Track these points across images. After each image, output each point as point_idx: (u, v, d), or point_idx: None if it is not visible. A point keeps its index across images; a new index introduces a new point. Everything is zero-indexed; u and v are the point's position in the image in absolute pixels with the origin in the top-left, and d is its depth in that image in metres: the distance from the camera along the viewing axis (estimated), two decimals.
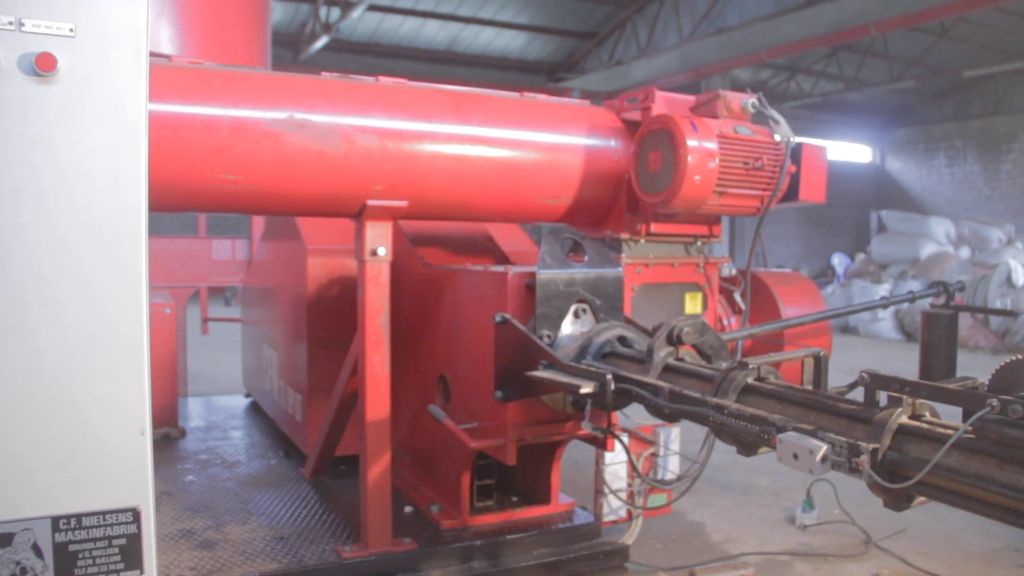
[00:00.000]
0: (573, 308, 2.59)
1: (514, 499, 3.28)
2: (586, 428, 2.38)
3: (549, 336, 2.54)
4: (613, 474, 3.55)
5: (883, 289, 14.26)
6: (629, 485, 3.61)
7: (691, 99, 3.17)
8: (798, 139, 3.14)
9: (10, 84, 1.58)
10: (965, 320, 11.88)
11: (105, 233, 1.67)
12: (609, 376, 2.11)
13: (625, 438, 3.10)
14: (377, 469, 2.82)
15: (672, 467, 3.72)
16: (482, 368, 2.72)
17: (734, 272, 3.43)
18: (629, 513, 3.66)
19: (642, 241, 3.17)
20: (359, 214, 2.78)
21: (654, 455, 3.67)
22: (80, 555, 1.68)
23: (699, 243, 3.31)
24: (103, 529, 1.70)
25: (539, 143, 3.04)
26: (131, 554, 1.73)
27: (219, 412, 5.17)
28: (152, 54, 1.76)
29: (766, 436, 1.66)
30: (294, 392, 4.00)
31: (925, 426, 1.49)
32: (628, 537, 3.59)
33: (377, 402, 2.81)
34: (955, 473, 1.40)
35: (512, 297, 2.60)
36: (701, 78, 18.09)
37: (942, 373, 3.17)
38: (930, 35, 18.23)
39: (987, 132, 24.19)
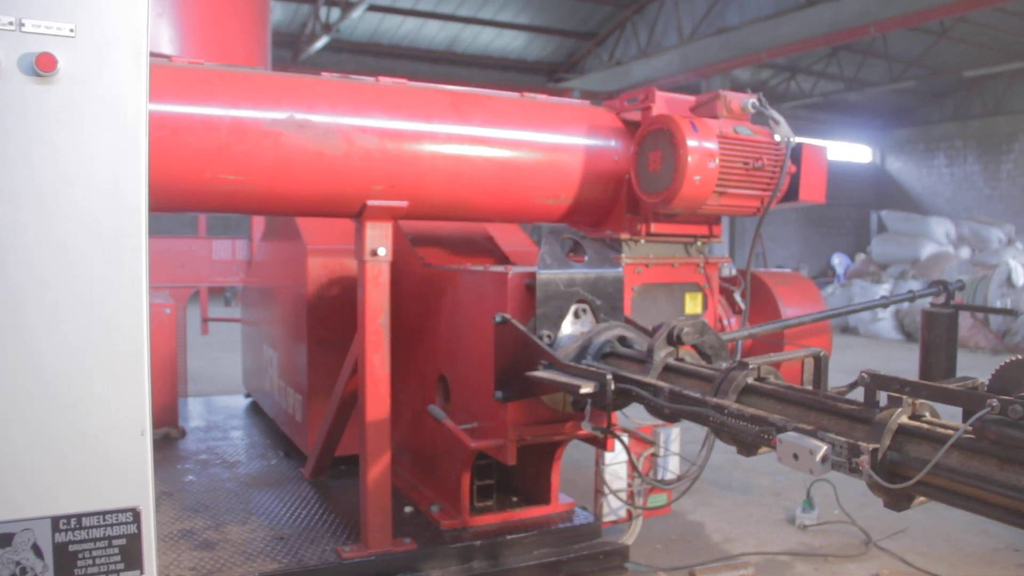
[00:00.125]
0: (573, 308, 2.59)
1: (514, 499, 3.28)
2: (586, 428, 2.38)
3: (549, 336, 2.54)
4: (613, 474, 3.55)
5: (883, 289, 14.26)
6: (629, 485, 3.61)
7: (691, 99, 3.17)
8: (798, 139, 3.14)
9: (10, 84, 1.58)
10: (965, 320, 11.89)
11: (105, 233, 1.67)
12: (609, 376, 2.11)
13: (625, 438, 3.10)
14: (377, 469, 2.82)
15: (672, 467, 3.72)
16: (482, 368, 2.72)
17: (734, 272, 3.43)
18: (629, 513, 3.66)
19: (642, 241, 3.17)
20: (359, 214, 2.78)
21: (654, 455, 3.67)
22: (80, 555, 1.68)
23: (699, 243, 3.31)
24: (103, 529, 1.70)
25: (539, 143, 3.04)
26: (131, 554, 1.73)
27: (219, 412, 5.17)
28: (152, 54, 1.76)
29: (766, 436, 1.66)
30: (294, 392, 4.00)
31: (925, 426, 1.49)
32: (628, 537, 3.59)
33: (377, 402, 2.81)
34: (955, 473, 1.40)
35: (512, 297, 2.61)
36: (701, 78, 18.10)
37: (942, 373, 3.17)
38: (930, 35, 18.24)
39: (987, 132, 24.19)
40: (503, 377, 2.55)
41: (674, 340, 2.20)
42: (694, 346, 2.28)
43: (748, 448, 1.80)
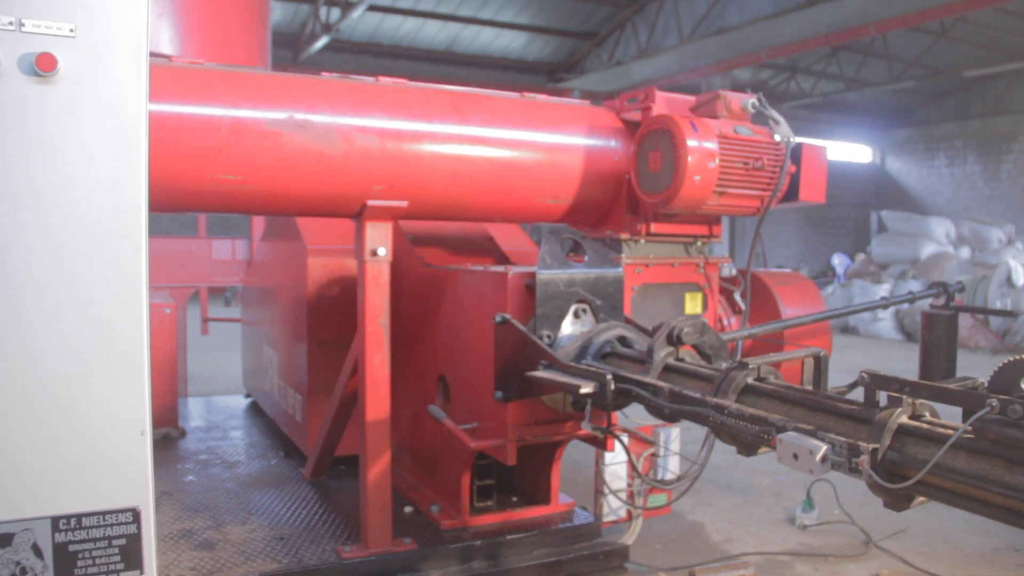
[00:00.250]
0: (573, 308, 2.59)
1: (514, 499, 3.28)
2: (586, 428, 2.38)
3: (549, 336, 2.54)
4: (613, 474, 3.55)
5: (883, 289, 14.26)
6: (629, 485, 3.61)
7: (691, 99, 3.17)
8: (798, 139, 3.14)
9: (10, 84, 1.58)
10: (965, 320, 11.89)
11: (105, 233, 1.67)
12: (609, 376, 2.11)
13: (625, 438, 3.10)
14: (377, 469, 2.82)
15: (672, 467, 3.72)
16: (482, 368, 2.72)
17: (734, 272, 3.42)
18: (629, 513, 3.66)
19: (642, 241, 3.17)
20: (359, 214, 2.78)
21: (654, 455, 3.67)
22: (80, 555, 1.68)
23: (699, 243, 3.31)
24: (103, 529, 1.70)
25: (539, 143, 3.04)
26: (131, 554, 1.73)
27: (219, 412, 5.17)
28: (152, 54, 1.76)
29: (766, 436, 1.66)
30: (294, 392, 4.00)
31: (925, 426, 1.49)
32: (628, 537, 3.59)
33: (377, 402, 2.81)
34: (955, 473, 1.40)
35: (512, 297, 2.60)
36: (701, 78, 18.10)
37: (942, 373, 3.17)
38: (930, 35, 18.24)
39: (987, 132, 24.19)
40: (503, 377, 2.55)
41: (674, 340, 2.20)
42: (694, 346, 2.28)
43: (748, 448, 1.80)
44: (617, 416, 2.57)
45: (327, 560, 2.77)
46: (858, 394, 1.66)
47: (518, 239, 3.86)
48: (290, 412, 4.08)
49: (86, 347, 1.67)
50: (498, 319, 2.54)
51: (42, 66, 1.58)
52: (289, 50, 17.48)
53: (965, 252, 15.37)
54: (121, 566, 1.72)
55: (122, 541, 1.72)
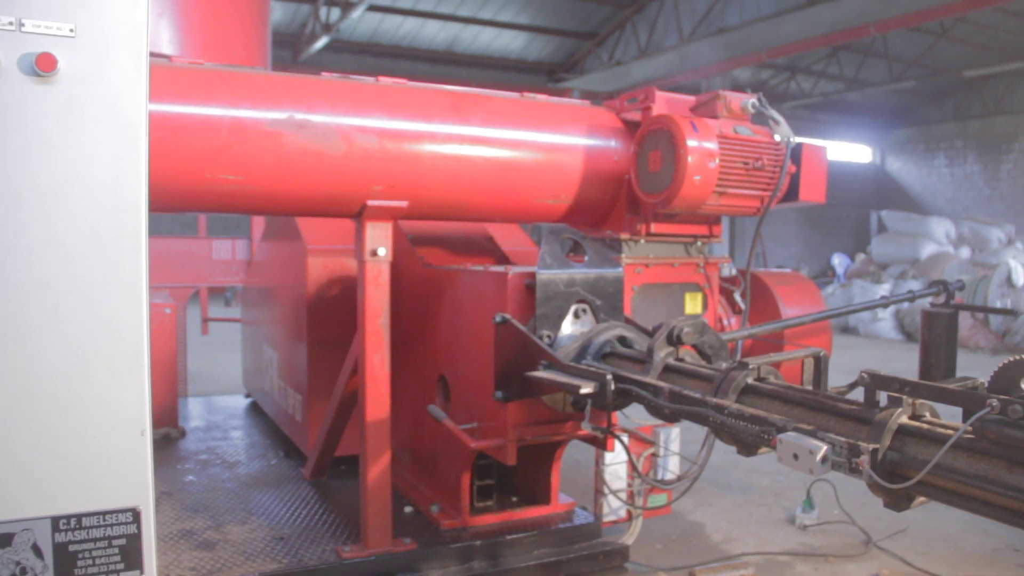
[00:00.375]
0: (573, 308, 2.59)
1: (514, 499, 3.28)
2: (586, 428, 2.38)
3: (549, 336, 2.54)
4: (613, 474, 3.55)
5: (883, 289, 14.26)
6: (629, 485, 3.61)
7: (691, 99, 3.17)
8: (798, 139, 3.14)
9: (10, 84, 1.58)
10: (965, 320, 11.89)
11: (105, 233, 1.67)
12: (609, 376, 2.11)
13: (625, 438, 3.10)
14: (377, 469, 2.82)
15: (672, 467, 3.72)
16: (482, 368, 2.72)
17: (734, 272, 3.42)
18: (629, 513, 3.66)
19: (642, 241, 3.17)
20: (359, 214, 2.78)
21: (654, 455, 3.67)
22: (80, 555, 1.68)
23: (699, 243, 3.31)
24: (103, 529, 1.70)
25: (539, 143, 3.04)
26: (131, 554, 1.73)
27: (219, 412, 5.17)
28: (152, 54, 1.76)
29: (766, 436, 1.66)
30: (294, 392, 4.00)
31: (925, 426, 1.49)
32: (628, 537, 3.59)
33: (377, 402, 2.81)
34: (955, 473, 1.40)
35: (512, 297, 2.60)
36: (701, 78, 18.10)
37: (942, 373, 3.17)
38: (930, 35, 18.24)
39: (987, 132, 24.19)
40: (503, 377, 2.55)
41: (674, 340, 2.20)
42: (694, 346, 2.28)
43: (748, 448, 1.80)
44: (617, 416, 2.57)
45: (327, 560, 2.77)
46: (858, 394, 1.66)
47: (518, 239, 3.86)
48: (290, 412, 4.08)
49: (86, 347, 1.67)
50: (498, 319, 2.54)
51: (42, 66, 1.58)
52: (289, 50, 17.48)
53: (965, 252, 15.38)
54: (121, 566, 1.72)
55: (122, 541, 1.72)
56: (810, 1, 14.18)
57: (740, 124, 3.03)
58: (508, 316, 2.52)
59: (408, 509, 3.21)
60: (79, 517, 1.68)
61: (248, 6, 4.96)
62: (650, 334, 2.38)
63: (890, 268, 15.55)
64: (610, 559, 3.04)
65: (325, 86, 2.72)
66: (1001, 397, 1.35)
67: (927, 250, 15.20)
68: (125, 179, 1.69)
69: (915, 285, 13.68)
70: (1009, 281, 12.20)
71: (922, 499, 1.50)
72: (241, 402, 5.45)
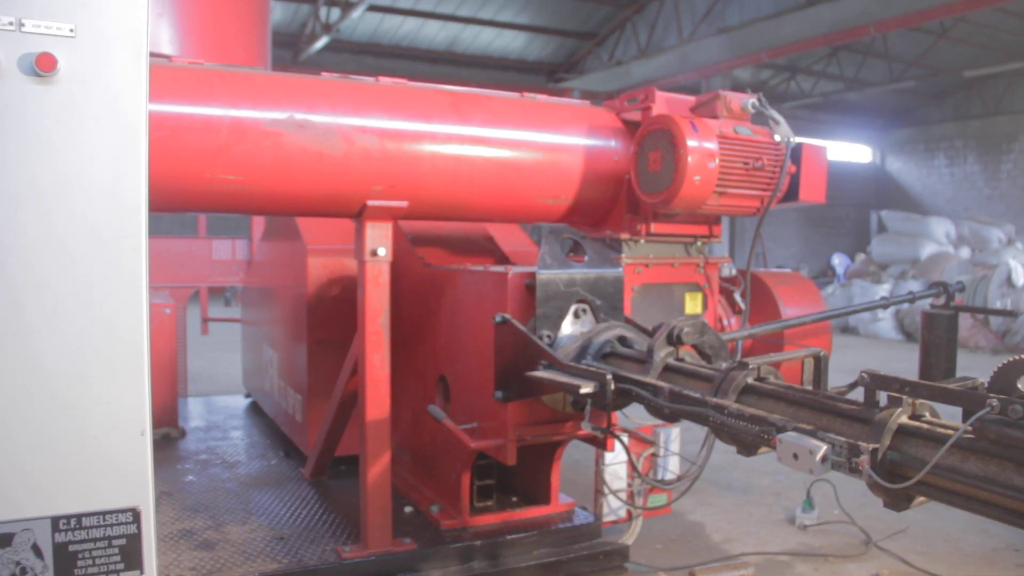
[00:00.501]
0: (573, 308, 2.59)
1: (514, 499, 3.28)
2: (586, 428, 2.38)
3: (549, 336, 2.54)
4: (613, 474, 3.55)
5: (883, 289, 14.26)
6: (629, 485, 3.61)
7: (691, 99, 3.17)
8: (798, 139, 3.14)
9: (10, 84, 1.58)
10: (965, 320, 11.89)
11: (105, 233, 1.67)
12: (609, 376, 2.11)
13: (625, 438, 3.10)
14: (377, 469, 2.82)
15: (672, 467, 3.72)
16: (482, 368, 2.72)
17: (734, 272, 3.42)
18: (629, 513, 3.66)
19: (642, 241, 3.17)
20: (359, 214, 2.78)
21: (654, 455, 3.67)
22: (80, 555, 1.68)
23: (699, 243, 3.31)
24: (103, 529, 1.70)
25: (539, 143, 3.04)
26: (131, 554, 1.73)
27: (219, 412, 5.17)
28: (152, 54, 1.76)
29: (766, 436, 1.66)
30: (294, 392, 4.00)
31: (925, 426, 1.49)
32: (628, 537, 3.59)
33: (377, 402, 2.81)
34: (955, 473, 1.40)
35: (512, 297, 2.60)
36: (701, 78, 18.10)
37: (942, 373, 3.17)
38: (930, 35, 18.24)
39: (987, 132, 24.19)
40: (503, 377, 2.55)
41: (674, 340, 2.20)
42: (694, 346, 2.28)
43: (748, 448, 1.80)
44: (617, 416, 2.57)
45: (327, 560, 2.77)
46: (858, 394, 1.66)
47: (518, 239, 3.86)
48: (290, 412, 4.08)
49: (86, 347, 1.67)
50: (498, 319, 2.54)
51: (42, 66, 1.58)
52: (289, 50, 17.48)
53: (965, 252, 15.38)
54: (121, 566, 1.72)
55: (122, 541, 1.72)
56: (810, 1, 14.18)
57: (740, 124, 3.03)
58: (508, 316, 2.52)
59: (408, 509, 3.21)
60: (79, 517, 1.68)
61: (248, 6, 4.96)
62: (650, 334, 2.38)
63: (890, 268, 15.55)
64: (610, 559, 3.04)
65: (325, 86, 2.72)
66: (1001, 397, 1.35)
67: (927, 250, 15.20)
68: (125, 179, 1.69)
69: (915, 285, 13.69)
70: (1009, 281, 12.20)
71: (922, 499, 1.50)
72: (241, 402, 5.45)
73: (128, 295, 1.70)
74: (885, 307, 3.76)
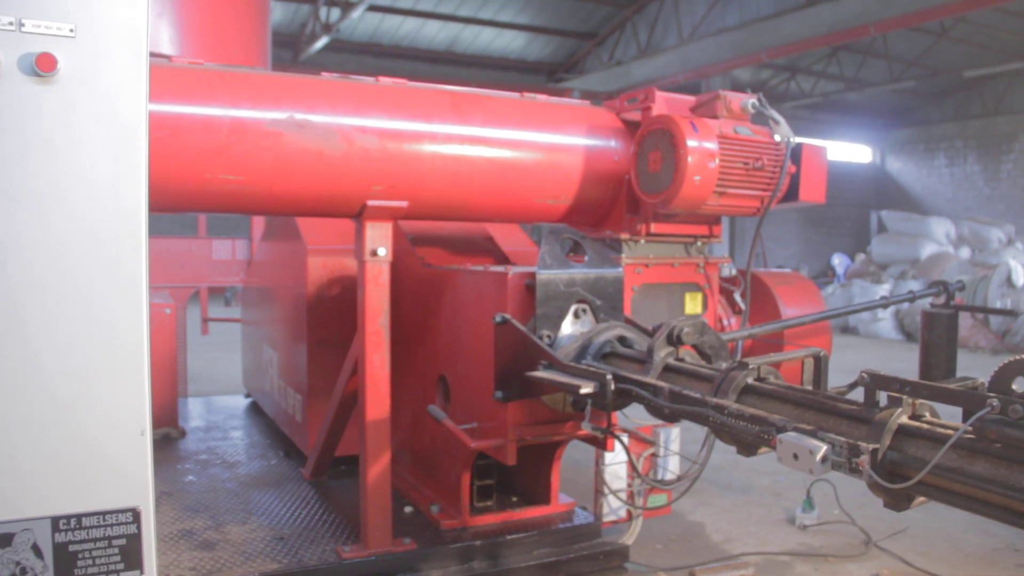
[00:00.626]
0: (573, 308, 2.59)
1: (514, 499, 3.28)
2: (586, 428, 2.38)
3: (549, 336, 2.54)
4: (613, 474, 3.55)
5: (883, 289, 14.26)
6: (629, 485, 3.61)
7: (691, 99, 3.17)
8: (798, 139, 3.14)
9: (10, 84, 1.58)
10: (965, 320, 11.89)
11: (105, 233, 1.67)
12: (609, 376, 2.11)
13: (625, 438, 3.10)
14: (377, 469, 2.82)
15: (672, 467, 3.72)
16: (482, 368, 2.72)
17: (734, 272, 3.43)
18: (629, 513, 3.66)
19: (642, 241, 3.17)
20: (359, 214, 2.78)
21: (654, 455, 3.67)
22: (80, 555, 1.68)
23: (699, 243, 3.31)
24: (103, 529, 1.70)
25: (539, 143, 3.04)
26: (131, 554, 1.73)
27: (219, 412, 5.17)
28: (152, 54, 1.76)
29: (766, 436, 1.66)
30: (294, 392, 4.00)
31: (925, 426, 1.49)
32: (628, 537, 3.59)
33: (377, 402, 2.81)
34: (955, 473, 1.40)
35: (512, 297, 2.60)
36: (701, 78, 18.09)
37: (942, 373, 3.17)
38: (930, 35, 18.24)
39: (987, 132, 24.19)
40: (503, 377, 2.55)
41: (674, 340, 2.20)
42: (694, 346, 2.28)
43: (748, 448, 1.80)
44: (617, 416, 2.57)
45: (327, 560, 2.77)
46: (858, 394, 1.66)
47: (518, 239, 3.86)
48: (290, 412, 4.08)
49: (86, 347, 1.67)
50: (498, 319, 2.54)
51: (42, 66, 1.58)
52: (289, 50, 17.48)
53: (965, 252, 15.38)
54: (121, 566, 1.72)
55: (122, 541, 1.72)
56: (810, 1, 14.19)
57: (740, 124, 3.03)
58: (508, 316, 2.52)
59: (408, 509, 3.21)
60: (79, 517, 1.68)
61: (248, 6, 4.96)
62: (650, 334, 2.38)
63: (890, 268, 15.55)
64: (610, 559, 3.04)
65: (325, 86, 2.72)
66: (1001, 397, 1.35)
67: (927, 250, 15.20)
68: (125, 179, 1.69)
69: (915, 285, 13.68)
70: (1009, 281, 12.20)
71: (922, 499, 1.50)
72: (241, 402, 5.45)
73: (128, 295, 1.70)
74: (885, 307, 3.76)
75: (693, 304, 3.31)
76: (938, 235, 15.55)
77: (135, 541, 1.73)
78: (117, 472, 1.71)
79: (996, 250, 14.86)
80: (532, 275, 2.56)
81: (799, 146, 3.16)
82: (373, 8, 16.53)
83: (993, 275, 12.43)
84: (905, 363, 10.47)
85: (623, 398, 2.14)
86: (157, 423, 4.30)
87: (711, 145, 2.87)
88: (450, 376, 3.06)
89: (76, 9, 1.63)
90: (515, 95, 3.16)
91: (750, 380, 1.88)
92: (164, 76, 2.39)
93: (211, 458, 4.05)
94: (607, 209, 3.24)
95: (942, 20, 16.36)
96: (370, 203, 2.73)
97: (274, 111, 2.55)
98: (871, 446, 1.46)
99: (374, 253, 2.77)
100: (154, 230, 1.82)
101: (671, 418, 2.02)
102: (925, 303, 3.45)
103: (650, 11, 18.31)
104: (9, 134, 1.58)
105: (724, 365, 2.04)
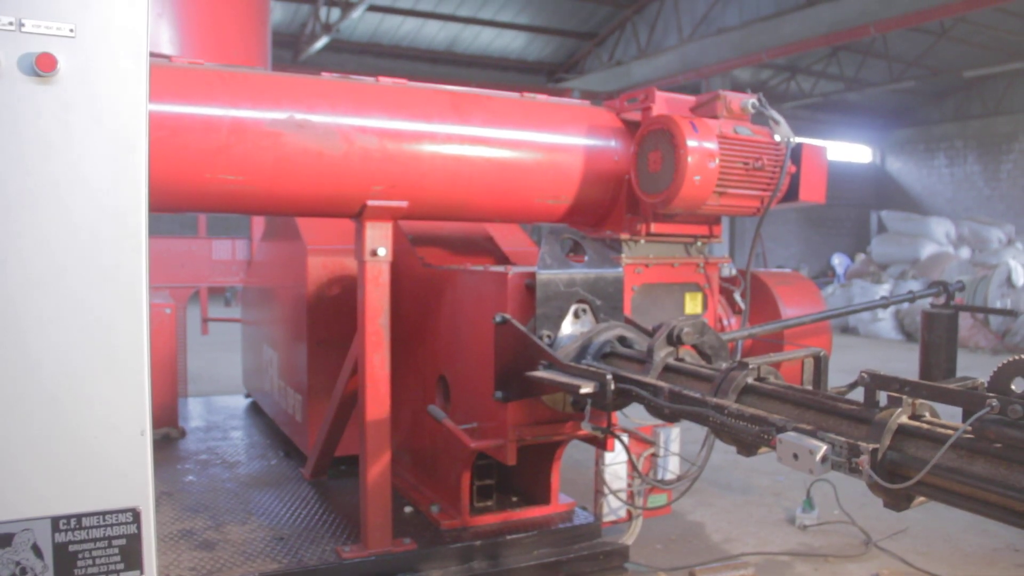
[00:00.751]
0: (573, 308, 2.59)
1: (514, 499, 3.28)
2: (586, 428, 2.38)
3: (549, 336, 2.54)
4: (613, 474, 3.55)
5: (883, 289, 14.26)
6: (629, 485, 3.61)
7: (691, 99, 3.17)
8: (798, 139, 3.14)
9: (10, 84, 1.58)
10: (965, 320, 11.89)
11: (105, 233, 1.67)
12: (609, 376, 2.11)
13: (625, 438, 3.10)
14: (377, 469, 2.82)
15: (672, 467, 3.72)
16: (482, 368, 2.72)
17: (734, 272, 3.43)
18: (629, 513, 3.66)
19: (642, 241, 3.17)
20: (359, 214, 2.78)
21: (654, 455, 3.67)
22: (80, 555, 1.68)
23: (699, 243, 3.31)
24: (103, 529, 1.70)
25: (539, 143, 3.04)
26: (131, 554, 1.73)
27: (219, 412, 5.17)
28: (152, 54, 1.76)
29: (766, 436, 1.66)
30: (294, 392, 4.00)
31: (925, 426, 1.49)
32: (628, 537, 3.59)
33: (377, 402, 2.81)
34: (955, 473, 1.40)
35: (512, 297, 2.60)
36: (701, 78, 18.10)
37: (942, 373, 3.17)
38: (930, 35, 18.24)
39: (987, 132, 24.19)
40: (503, 377, 2.55)
41: (674, 340, 2.20)
42: (694, 346, 2.28)
43: (748, 448, 1.80)
44: (617, 416, 2.57)
45: (327, 560, 2.77)
46: (858, 394, 1.66)
47: (518, 239, 3.86)
48: (290, 412, 4.08)
49: (86, 347, 1.67)
50: (498, 319, 2.54)
51: (42, 66, 1.58)
52: (289, 50, 17.48)
53: (965, 252, 15.38)
54: (121, 566, 1.72)
55: (122, 541, 1.72)
56: (810, 1, 14.18)
57: (740, 124, 3.03)
58: (508, 316, 2.52)
59: (408, 509, 3.21)
60: (79, 517, 1.68)
61: (248, 6, 4.96)
62: (650, 334, 2.38)
63: (890, 268, 15.55)
64: (610, 559, 3.04)
65: (325, 86, 2.72)
66: (1001, 397, 1.35)
67: (927, 250, 15.21)
68: (125, 179, 1.69)
69: (915, 285, 13.69)
70: (1009, 281, 12.20)
71: (922, 499, 1.50)
72: (241, 402, 5.45)
73: (128, 295, 1.70)
74: (885, 307, 3.76)
75: (693, 304, 3.31)
76: (938, 235, 15.56)
77: (135, 541, 1.73)
78: (117, 472, 1.71)
79: (996, 250, 14.86)
80: (532, 275, 2.56)
81: (799, 146, 3.17)
82: (373, 8, 16.53)
83: (993, 275, 12.43)
84: (905, 363, 10.47)
85: (623, 398, 2.14)
86: (157, 423, 4.30)
87: (711, 145, 2.87)
88: (450, 376, 3.06)
89: (76, 9, 1.63)
90: (515, 95, 3.16)
91: (750, 380, 1.88)
92: (164, 76, 2.39)
93: (211, 458, 4.05)
94: (607, 209, 3.24)
95: (942, 20, 16.35)
96: (370, 203, 2.73)
97: (274, 111, 2.55)
98: (871, 446, 1.46)
99: (374, 253, 2.77)
100: (154, 230, 1.82)
101: (671, 418, 2.02)
102: (925, 303, 3.45)
103: (650, 11, 18.30)
104: (9, 134, 1.58)
105: (724, 365, 2.04)
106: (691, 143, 2.82)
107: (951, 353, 3.22)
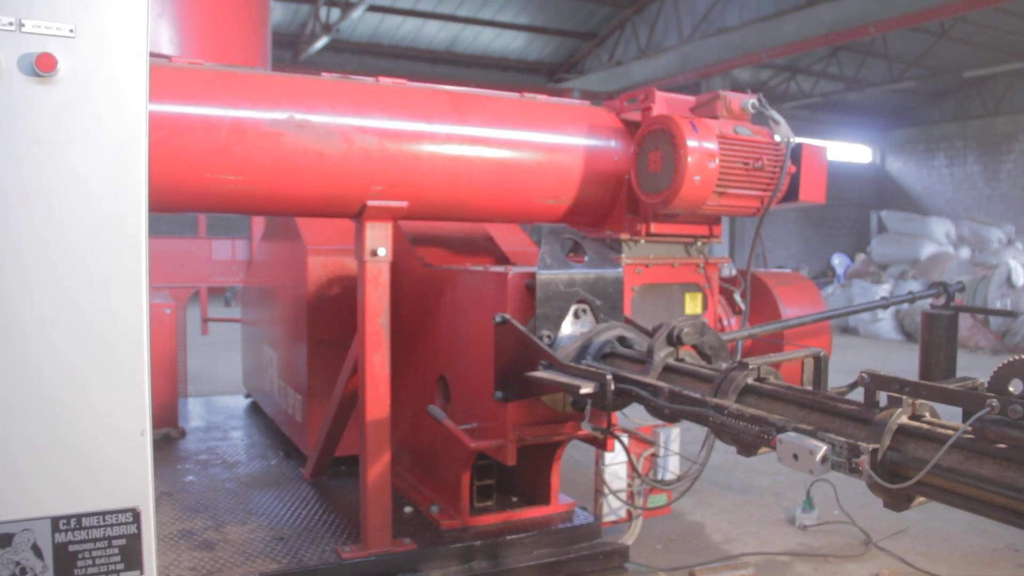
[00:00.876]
0: (573, 308, 2.59)
1: (514, 499, 3.28)
2: (586, 428, 2.38)
3: (549, 336, 2.54)
4: (613, 474, 3.55)
5: (883, 289, 14.26)
6: (629, 485, 3.61)
7: (691, 99, 3.17)
8: (798, 139, 3.14)
9: (10, 84, 1.58)
10: (965, 320, 11.89)
11: (105, 233, 1.67)
12: (609, 376, 2.11)
13: (625, 438, 3.10)
14: (377, 469, 2.82)
15: (672, 467, 3.72)
16: (482, 368, 2.72)
17: (734, 272, 3.43)
18: (629, 513, 3.66)
19: (642, 241, 3.17)
20: (359, 214, 2.78)
21: (654, 455, 3.67)
22: (80, 555, 1.68)
23: (699, 243, 3.31)
24: (103, 529, 1.70)
25: (539, 143, 3.04)
26: (131, 554, 1.73)
27: (219, 412, 5.17)
28: (152, 54, 1.76)
29: (766, 436, 1.66)
30: (294, 392, 4.00)
31: (925, 426, 1.49)
32: (628, 537, 3.59)
33: (377, 402, 2.81)
34: (955, 473, 1.39)
35: (512, 297, 2.60)
36: (701, 78, 18.10)
37: (942, 373, 3.17)
38: (930, 35, 18.24)
39: (987, 132, 24.19)
40: (503, 377, 2.55)
41: (674, 340, 2.20)
42: (694, 346, 2.28)
43: (748, 448, 1.80)
44: (617, 416, 2.57)
45: (327, 560, 2.77)
46: (858, 394, 1.66)
47: (518, 239, 3.86)
48: (290, 412, 4.08)
49: (86, 348, 1.67)
50: (498, 319, 2.54)
51: (42, 66, 1.58)
52: (289, 50, 17.49)
53: (965, 252, 15.38)
54: (121, 566, 1.72)
55: (122, 541, 1.72)
56: (810, 1, 14.18)
57: (740, 124, 3.03)
58: (508, 316, 2.52)
59: (408, 509, 3.21)
60: (79, 517, 1.68)
61: (248, 6, 4.96)
62: (650, 334, 2.38)
63: (890, 268, 15.55)
64: (610, 559, 3.04)
65: (325, 86, 2.72)
66: (1001, 397, 1.35)
67: (927, 250, 15.20)
68: (125, 179, 1.69)
69: (915, 285, 13.69)
70: (1009, 281, 12.20)
71: (922, 499, 1.50)
72: (241, 402, 5.45)
73: (128, 295, 1.70)
74: (885, 307, 3.76)
75: (693, 304, 3.31)
76: (938, 235, 15.55)
77: (135, 541, 1.73)
78: (117, 472, 1.71)
79: (996, 250, 14.86)
80: (532, 275, 2.56)
81: (799, 146, 3.17)
82: (373, 8, 16.54)
83: (993, 275, 12.43)
84: (905, 363, 10.47)
85: (623, 398, 2.14)
86: (157, 423, 4.30)
87: (711, 145, 2.87)
88: (450, 376, 3.06)
89: (76, 9, 1.63)
90: (515, 95, 3.16)
91: (750, 380, 1.88)
92: (164, 76, 2.39)
93: (211, 458, 4.05)
94: (607, 209, 3.24)
95: (942, 20, 16.36)
96: (370, 203, 2.73)
97: (274, 111, 2.55)
98: (871, 446, 1.46)
99: (374, 253, 2.77)
100: (154, 230, 1.82)
101: (671, 418, 2.02)
102: (925, 303, 3.46)
103: (650, 11, 18.31)
104: (9, 134, 1.58)
105: (724, 365, 2.04)
106: (691, 143, 2.82)
107: (951, 353, 3.22)
